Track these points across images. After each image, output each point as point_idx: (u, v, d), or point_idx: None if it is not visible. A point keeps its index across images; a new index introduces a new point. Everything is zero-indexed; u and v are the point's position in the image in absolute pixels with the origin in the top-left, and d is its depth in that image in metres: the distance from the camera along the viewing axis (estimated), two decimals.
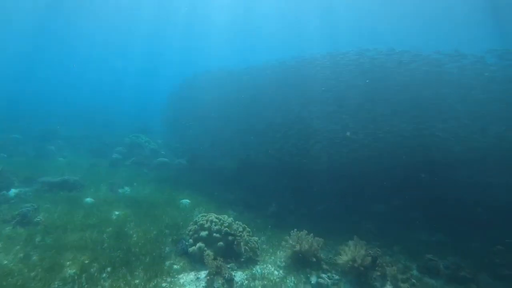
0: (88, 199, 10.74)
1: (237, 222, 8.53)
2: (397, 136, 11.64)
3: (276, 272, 7.45)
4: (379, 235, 10.14)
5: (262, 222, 10.64)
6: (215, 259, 7.02)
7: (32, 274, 6.00)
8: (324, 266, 7.82)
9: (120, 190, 12.99)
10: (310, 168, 14.52)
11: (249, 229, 8.62)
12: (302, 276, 7.32)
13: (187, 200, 11.81)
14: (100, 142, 20.97)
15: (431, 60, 12.23)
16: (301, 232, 8.72)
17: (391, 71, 12.29)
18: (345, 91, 12.65)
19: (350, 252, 7.68)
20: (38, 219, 8.40)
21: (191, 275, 6.82)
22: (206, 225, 7.91)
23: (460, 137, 11.11)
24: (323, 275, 7.34)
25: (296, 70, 13.96)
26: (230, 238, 7.78)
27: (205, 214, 8.40)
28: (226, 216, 8.36)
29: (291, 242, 8.35)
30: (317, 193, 13.80)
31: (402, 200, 12.49)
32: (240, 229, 8.24)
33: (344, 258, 7.61)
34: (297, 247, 8.19)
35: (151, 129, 29.25)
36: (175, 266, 7.12)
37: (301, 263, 7.82)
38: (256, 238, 8.45)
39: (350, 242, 8.16)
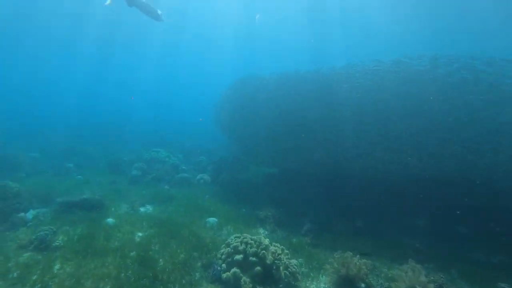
0: (109, 220, 10.23)
1: (274, 243, 7.77)
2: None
3: None
4: (429, 255, 9.13)
5: (298, 241, 9.83)
6: (253, 287, 6.29)
7: None
8: None
9: (141, 209, 12.47)
10: (344, 180, 13.74)
11: (287, 251, 7.85)
12: None
13: (214, 218, 11.14)
14: (119, 158, 20.68)
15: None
16: (346, 254, 7.91)
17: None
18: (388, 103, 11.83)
19: (408, 279, 6.78)
20: (57, 244, 7.92)
21: None
22: (240, 248, 7.19)
23: None
24: None
25: (344, 78, 13.13)
26: (268, 262, 7.03)
27: (239, 235, 7.69)
28: (262, 237, 7.63)
29: (336, 265, 7.55)
30: (352, 207, 12.94)
31: (445, 213, 11.46)
32: (279, 251, 7.48)
33: (401, 286, 6.71)
34: (343, 271, 7.39)
35: (170, 144, 29.05)
36: None
37: None
38: (295, 261, 7.67)
39: (405, 267, 7.27)
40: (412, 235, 10.65)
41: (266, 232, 10.60)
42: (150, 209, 12.74)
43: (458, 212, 10.83)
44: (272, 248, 7.43)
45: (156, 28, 38.20)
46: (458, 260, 9.08)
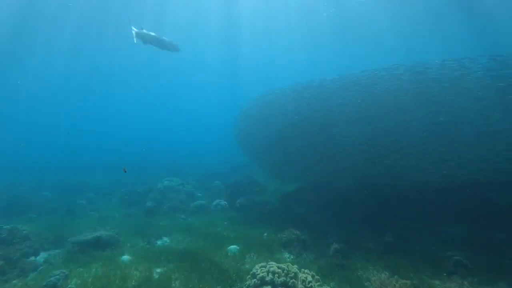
0: (125, 257, 9.72)
1: (302, 270, 7.11)
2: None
3: None
4: (471, 267, 8.28)
5: (326, 264, 9.10)
6: None
7: None
8: None
9: (158, 242, 11.94)
10: (370, 192, 13.11)
11: (318, 276, 7.16)
12: None
13: (235, 246, 10.52)
14: (132, 190, 20.35)
15: None
16: (383, 275, 7.20)
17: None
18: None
19: None
20: None
21: None
22: (267, 278, 6.56)
23: None
24: None
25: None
26: None
27: (264, 264, 7.06)
28: (289, 264, 6.98)
29: None
30: (377, 220, 12.19)
31: (478, 219, 10.65)
32: (309, 278, 6.81)
33: None
34: None
35: (183, 170, 28.71)
36: None
37: None
38: (327, 287, 6.98)
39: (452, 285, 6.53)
40: (447, 246, 9.82)
41: (292, 257, 9.90)
42: (168, 241, 12.20)
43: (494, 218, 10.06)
44: (301, 276, 6.78)
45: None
46: (504, 270, 8.20)
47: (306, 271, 7.06)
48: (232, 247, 10.50)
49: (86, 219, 15.93)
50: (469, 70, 10.50)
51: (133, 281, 8.01)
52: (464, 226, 11.33)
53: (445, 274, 8.01)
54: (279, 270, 6.73)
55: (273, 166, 17.26)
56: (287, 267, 6.86)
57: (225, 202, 17.22)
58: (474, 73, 10.45)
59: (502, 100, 9.80)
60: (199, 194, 19.83)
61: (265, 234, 12.07)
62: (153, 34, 14.21)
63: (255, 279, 6.71)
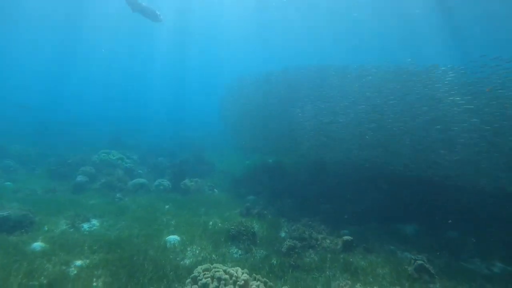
0: (37, 244, 8.14)
1: (254, 275, 6.15)
2: None
3: None
4: (434, 273, 7.94)
5: (278, 263, 8.25)
6: None
7: None
8: None
9: (85, 226, 10.41)
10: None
11: (271, 283, 6.25)
12: None
13: (175, 237, 9.37)
14: (62, 161, 18.11)
15: None
16: (342, 283, 6.52)
17: None
18: None
19: None
20: None
21: None
22: (212, 286, 5.52)
23: None
24: None
25: None
26: None
27: (208, 267, 5.99)
28: (239, 269, 5.99)
29: None
30: (333, 214, 11.76)
31: (429, 217, 10.58)
32: (262, 286, 5.88)
33: None
34: None
35: (124, 143, 26.51)
36: None
37: None
38: None
39: None
40: (405, 245, 9.58)
41: (240, 252, 8.97)
42: (97, 224, 10.71)
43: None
44: (252, 284, 5.82)
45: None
46: (462, 274, 7.93)
47: (258, 277, 6.11)
48: (172, 237, 9.33)
49: None
50: None
51: (42, 277, 6.56)
52: (418, 224, 11.23)
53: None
54: (226, 276, 5.71)
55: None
56: (236, 272, 5.86)
57: (169, 182, 15.84)
58: None
59: None
60: (139, 171, 18.19)
61: (211, 223, 11.02)
62: (144, 4, 15.49)
63: (195, 286, 5.63)
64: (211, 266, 6.04)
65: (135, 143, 28.17)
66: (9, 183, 15.31)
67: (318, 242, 9.53)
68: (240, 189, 15.97)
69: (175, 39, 46.58)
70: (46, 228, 9.61)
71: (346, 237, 9.34)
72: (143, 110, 59.52)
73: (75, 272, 7.03)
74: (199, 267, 6.08)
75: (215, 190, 16.17)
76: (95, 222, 10.88)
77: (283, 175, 17.16)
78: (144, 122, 43.53)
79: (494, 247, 9.32)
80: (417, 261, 7.68)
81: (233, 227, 9.74)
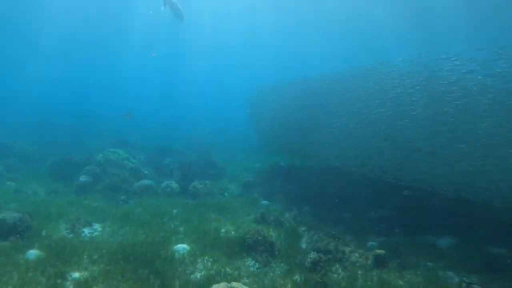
0: (32, 252, 7.41)
1: None
2: None
3: None
4: None
5: (303, 279, 7.33)
6: None
7: None
8: None
9: (86, 231, 9.70)
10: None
11: None
12: None
13: (184, 246, 8.58)
14: (65, 160, 17.47)
15: None
16: None
17: None
18: None
19: None
20: None
21: None
22: None
23: None
24: None
25: None
26: None
27: (228, 286, 5.18)
28: None
29: None
30: (359, 224, 10.89)
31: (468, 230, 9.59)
32: None
33: None
34: None
35: (131, 142, 25.86)
36: None
37: None
38: None
39: None
40: (443, 262, 8.58)
41: (257, 265, 8.14)
42: (98, 230, 9.99)
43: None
44: None
45: None
46: None
47: None
48: (181, 246, 8.54)
49: None
50: None
51: None
52: (451, 236, 10.23)
53: None
54: None
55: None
56: None
57: (177, 184, 15.05)
58: None
59: None
60: (146, 172, 17.45)
61: (223, 230, 10.21)
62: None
63: None
64: (229, 286, 5.23)
65: (143, 143, 27.53)
66: (11, 182, 14.72)
67: (346, 256, 8.63)
68: (253, 193, 15.18)
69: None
70: (44, 233, 8.90)
71: (378, 251, 8.42)
72: (154, 110, 58.99)
73: (71, 287, 6.26)
74: (215, 286, 5.27)
75: (226, 194, 15.39)
76: (97, 227, 10.15)
77: (297, 179, 16.36)
78: (153, 122, 42.93)
79: None
80: (472, 285, 6.69)
81: (249, 235, 8.89)
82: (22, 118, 35.19)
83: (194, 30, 42.38)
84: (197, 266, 7.70)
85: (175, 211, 12.09)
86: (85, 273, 6.81)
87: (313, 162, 17.01)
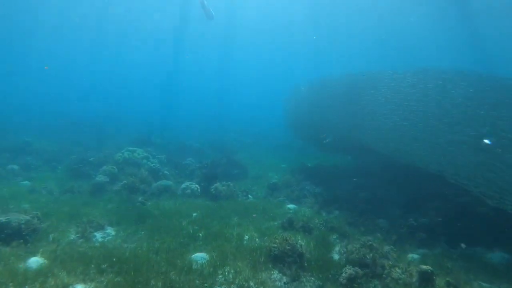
0: (34, 260, 6.74)
1: None
2: None
3: None
4: None
5: None
6: None
7: None
8: None
9: (97, 235, 9.07)
10: None
11: None
12: None
13: (203, 255, 7.76)
14: (83, 159, 17.08)
15: None
16: None
17: None
18: None
19: None
20: None
21: None
22: None
23: None
24: None
25: None
26: None
27: None
28: None
29: None
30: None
31: None
32: None
33: None
34: None
35: (151, 141, 25.45)
36: None
37: None
38: None
39: None
40: (497, 280, 7.43)
41: (285, 279, 7.20)
42: (112, 234, 9.33)
43: None
44: None
45: None
46: None
47: None
48: (199, 255, 7.73)
49: (13, 190, 12.81)
50: None
51: None
52: (504, 249, 8.98)
53: None
54: None
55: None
56: None
57: (197, 185, 14.31)
58: None
59: None
60: (166, 172, 16.80)
61: (246, 237, 9.34)
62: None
63: None
64: None
65: (164, 142, 27.10)
66: (26, 182, 14.39)
67: (386, 271, 7.54)
68: (278, 196, 14.23)
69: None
70: (51, 238, 8.26)
71: (423, 267, 7.29)
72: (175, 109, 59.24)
73: None
74: None
75: (249, 196, 14.50)
76: (110, 230, 9.50)
77: (326, 181, 15.33)
78: (175, 121, 42.82)
79: None
80: None
81: (275, 245, 7.95)
82: (47, 118, 35.68)
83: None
84: (217, 279, 6.83)
85: (194, 214, 11.31)
86: (91, 285, 6.07)
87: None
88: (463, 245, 8.97)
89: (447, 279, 7.33)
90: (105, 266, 6.84)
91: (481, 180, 8.50)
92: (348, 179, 15.22)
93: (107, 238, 8.95)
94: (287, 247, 7.84)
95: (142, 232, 9.33)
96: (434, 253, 9.04)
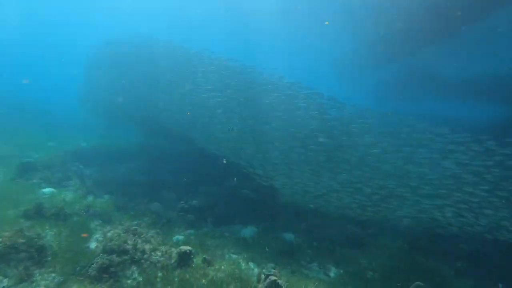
0: None
1: None
2: None
3: None
4: None
5: None
6: None
7: None
8: None
9: None
10: None
11: None
12: None
13: None
14: None
15: None
16: None
17: None
18: None
19: None
20: None
21: None
22: None
23: None
24: None
25: None
26: None
27: None
28: None
29: None
30: None
31: None
32: None
33: None
34: None
35: None
36: None
37: None
38: None
39: None
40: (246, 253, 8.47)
41: (6, 282, 5.86)
42: None
43: None
44: None
45: None
46: None
47: None
48: None
49: None
50: None
51: None
52: (257, 226, 10.33)
53: None
54: None
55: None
56: None
57: None
58: None
59: None
60: None
61: None
62: None
63: None
64: None
65: None
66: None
67: (146, 256, 7.30)
68: (32, 179, 11.91)
69: None
70: None
71: (183, 248, 7.50)
72: None
73: None
74: None
75: None
76: None
77: (102, 163, 14.19)
78: None
79: None
80: (270, 276, 6.44)
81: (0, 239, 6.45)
82: None
83: None
84: None
85: None
86: None
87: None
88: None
89: (204, 256, 7.69)
90: None
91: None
92: (130, 162, 14.51)
93: None
94: (21, 241, 6.49)
95: None
96: (199, 233, 9.40)
